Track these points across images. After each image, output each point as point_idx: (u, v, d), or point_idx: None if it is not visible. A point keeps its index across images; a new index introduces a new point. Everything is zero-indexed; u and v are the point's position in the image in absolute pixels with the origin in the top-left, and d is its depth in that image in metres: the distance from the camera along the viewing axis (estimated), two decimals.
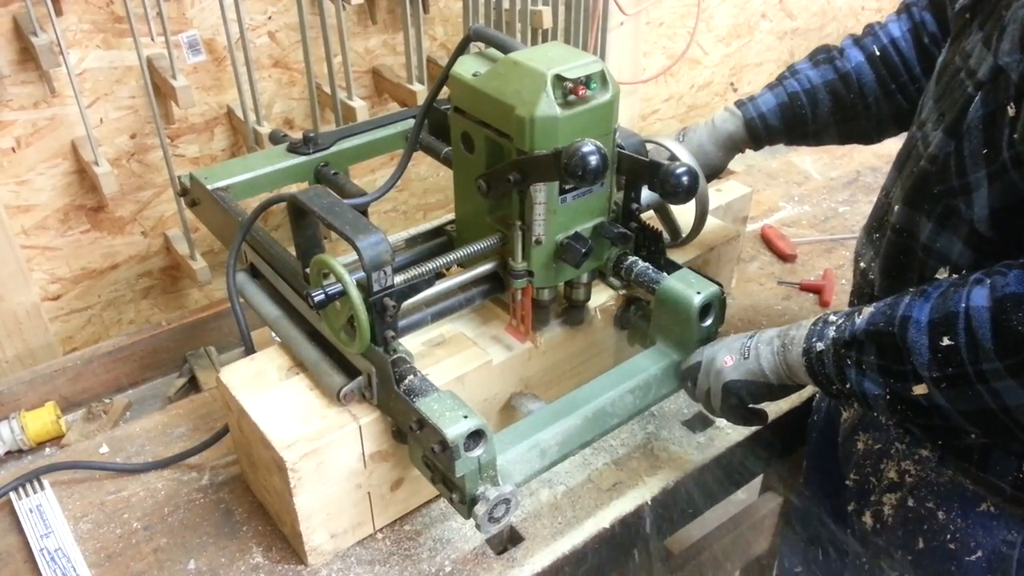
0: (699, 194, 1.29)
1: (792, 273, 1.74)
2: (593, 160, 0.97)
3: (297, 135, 1.49)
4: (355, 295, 0.99)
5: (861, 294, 1.17)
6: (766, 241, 1.83)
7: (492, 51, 1.14)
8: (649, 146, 1.27)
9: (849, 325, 0.97)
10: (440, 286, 1.16)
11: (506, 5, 1.94)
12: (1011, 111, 0.86)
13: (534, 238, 1.11)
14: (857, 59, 1.29)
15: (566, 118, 1.02)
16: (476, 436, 0.99)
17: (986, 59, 0.91)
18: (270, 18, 1.80)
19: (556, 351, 1.26)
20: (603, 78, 1.05)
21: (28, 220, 1.69)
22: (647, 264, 1.26)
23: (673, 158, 1.26)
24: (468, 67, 1.11)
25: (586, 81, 1.02)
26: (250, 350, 1.24)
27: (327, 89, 1.84)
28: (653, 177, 1.07)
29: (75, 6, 1.57)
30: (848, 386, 0.97)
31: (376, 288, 1.00)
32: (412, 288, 1.11)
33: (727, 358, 1.12)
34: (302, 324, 1.19)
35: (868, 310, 0.96)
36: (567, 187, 1.09)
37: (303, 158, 1.42)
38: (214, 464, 1.29)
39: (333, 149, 1.44)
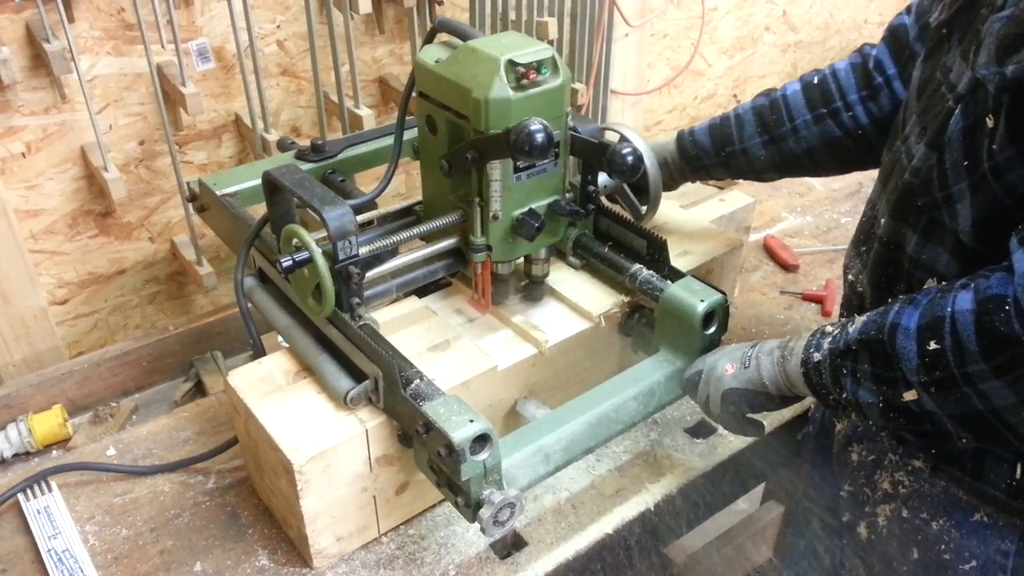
0: (651, 178, 1.36)
1: (794, 283, 1.75)
2: (539, 137, 1.04)
3: (304, 143, 1.50)
4: (320, 262, 1.06)
5: (850, 306, 1.19)
6: (769, 251, 1.84)
7: (455, 40, 1.20)
8: (613, 136, 1.32)
9: (843, 335, 0.99)
10: (405, 258, 1.22)
11: (512, 16, 1.96)
12: (990, 123, 0.88)
13: (491, 214, 1.18)
14: (793, 88, 1.33)
15: (518, 100, 1.09)
16: (482, 440, 1.00)
17: (965, 73, 0.93)
18: (279, 27, 1.82)
19: (561, 357, 1.27)
20: (554, 64, 1.12)
21: (37, 225, 1.70)
22: (651, 272, 1.27)
23: (624, 141, 1.31)
24: (432, 55, 1.18)
25: (537, 66, 1.10)
26: (260, 353, 1.26)
27: (334, 97, 1.86)
28: (602, 157, 1.15)
29: (87, 13, 1.59)
30: (844, 395, 0.99)
31: (341, 256, 1.07)
32: (376, 259, 1.18)
33: (728, 366, 1.13)
34: (310, 329, 1.21)
35: (861, 319, 0.97)
36: (521, 166, 1.16)
37: (311, 165, 1.44)
38: (220, 468, 1.30)
39: (340, 157, 1.46)
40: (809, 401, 1.34)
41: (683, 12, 2.51)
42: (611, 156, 1.13)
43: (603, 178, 1.35)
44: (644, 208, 1.45)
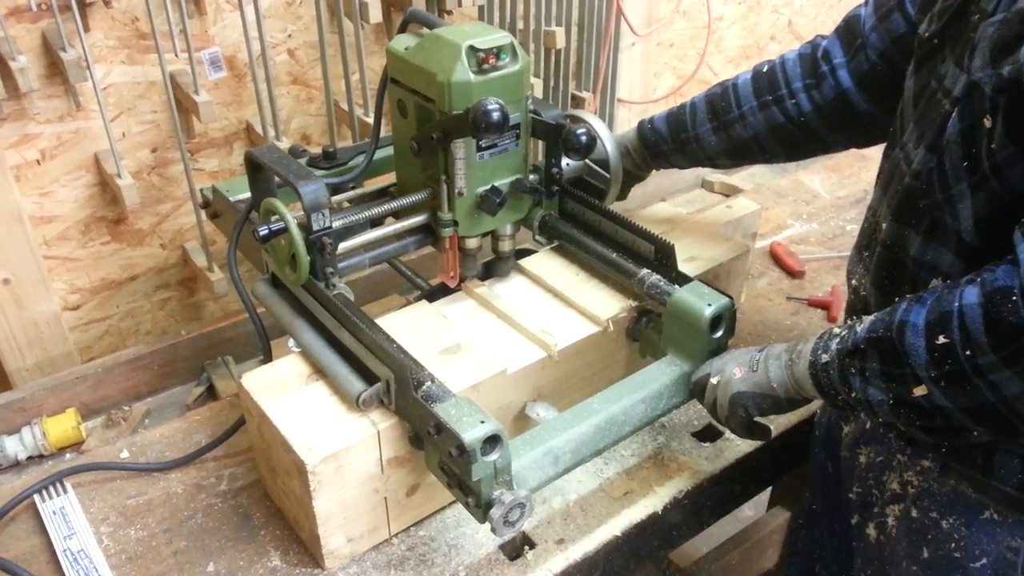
0: (611, 160, 1.44)
1: (800, 289, 1.76)
2: (495, 115, 1.12)
3: (315, 150, 1.52)
4: (295, 231, 1.15)
5: (854, 310, 1.20)
6: (775, 258, 1.85)
7: (424, 30, 1.27)
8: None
9: (851, 335, 1.00)
10: (376, 232, 1.29)
11: (520, 25, 1.98)
12: (987, 123, 0.90)
13: (457, 191, 1.26)
14: (744, 77, 1.37)
15: (479, 83, 1.17)
16: (492, 441, 1.01)
17: (960, 77, 0.95)
18: (290, 36, 1.84)
19: (569, 361, 1.28)
20: (513, 51, 1.20)
21: (51, 231, 1.72)
22: (659, 277, 1.29)
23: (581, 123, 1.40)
24: (402, 43, 1.25)
25: (497, 52, 1.17)
26: (267, 357, 1.28)
27: (344, 105, 1.88)
28: (559, 137, 1.26)
29: (102, 23, 1.61)
30: (853, 395, 1.00)
31: (315, 227, 1.16)
32: (349, 231, 1.26)
33: (736, 370, 1.15)
34: (322, 332, 1.22)
35: (868, 319, 0.99)
36: (483, 145, 1.24)
37: (322, 172, 1.46)
38: (232, 470, 1.32)
39: (352, 163, 1.48)
40: (815, 405, 1.35)
41: (689, 22, 2.53)
42: (567, 136, 1.25)
43: (570, 162, 1.44)
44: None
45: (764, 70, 1.35)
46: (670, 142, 1.43)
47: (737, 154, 1.40)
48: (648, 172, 1.52)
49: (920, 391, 0.91)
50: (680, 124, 1.41)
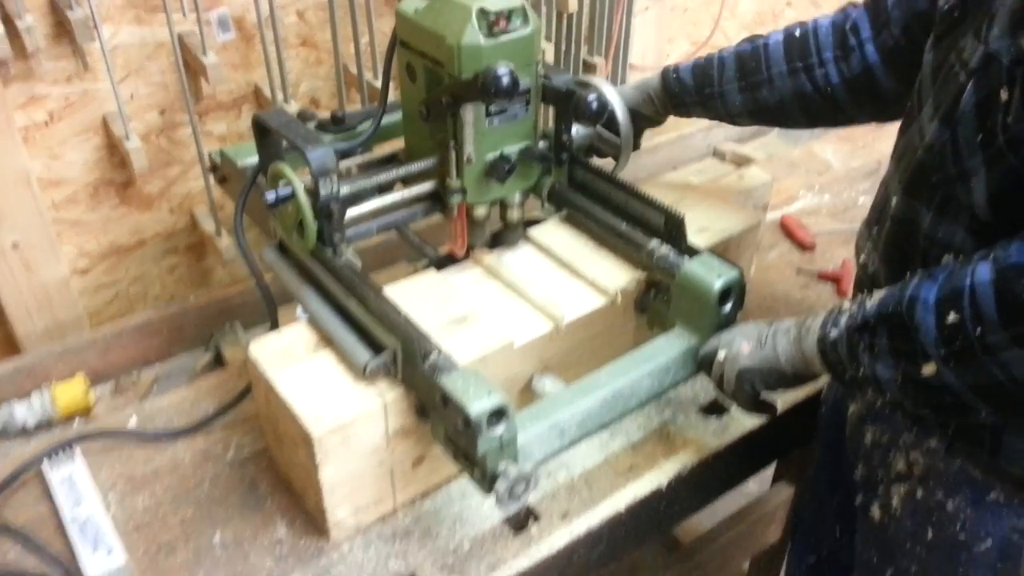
0: (621, 126, 1.42)
1: (811, 262, 1.74)
2: (504, 79, 1.10)
3: (324, 114, 1.50)
4: (302, 196, 1.15)
5: (862, 286, 1.18)
6: (785, 230, 1.83)
7: None
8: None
9: (861, 310, 0.99)
10: (384, 199, 1.28)
11: None
12: (1004, 95, 0.87)
13: (465, 157, 1.24)
14: (776, 39, 1.34)
15: (489, 47, 1.16)
16: (498, 414, 1.01)
17: (977, 49, 0.92)
18: None
19: (577, 333, 1.27)
20: (524, 14, 1.19)
21: (59, 194, 1.71)
22: (669, 248, 1.27)
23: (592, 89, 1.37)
24: (411, 5, 1.23)
25: (508, 15, 1.16)
26: (274, 325, 1.27)
27: (353, 69, 1.85)
28: (570, 103, 1.24)
29: None
30: (861, 371, 0.99)
31: (323, 193, 1.15)
32: (356, 197, 1.25)
33: (744, 344, 1.14)
34: (330, 300, 1.21)
35: (879, 294, 0.97)
36: (492, 110, 1.23)
37: (330, 136, 1.44)
38: (239, 438, 1.32)
39: (360, 128, 1.46)
40: (823, 381, 1.35)
41: None
42: (577, 102, 1.23)
43: (581, 129, 1.43)
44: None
45: (797, 34, 1.32)
46: (694, 95, 1.40)
47: (759, 116, 1.38)
48: (665, 118, 1.50)
49: (929, 369, 0.90)
50: (706, 78, 1.39)
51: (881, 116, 1.33)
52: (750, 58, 1.35)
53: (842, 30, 1.29)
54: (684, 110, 1.45)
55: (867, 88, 1.28)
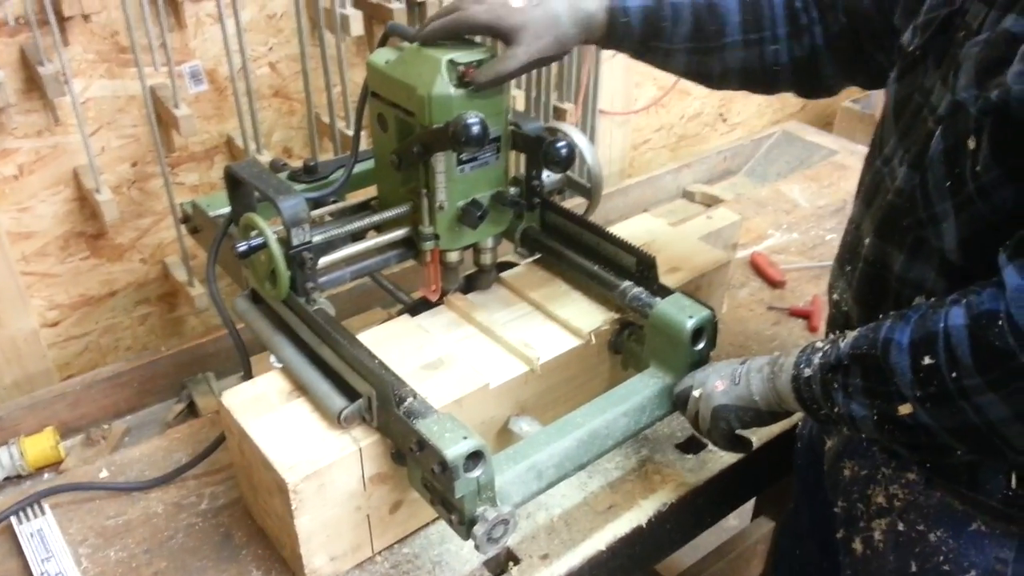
0: (592, 173, 1.43)
1: (781, 299, 1.76)
2: (474, 128, 1.12)
3: (296, 164, 1.51)
4: (275, 246, 1.15)
5: (835, 324, 1.19)
6: (756, 268, 1.85)
7: (405, 44, 1.26)
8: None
9: (834, 350, 0.99)
10: (358, 246, 1.29)
11: None
12: (971, 144, 0.89)
13: (437, 204, 1.25)
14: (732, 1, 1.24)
15: (459, 96, 1.17)
16: (475, 457, 1.00)
17: (945, 96, 0.94)
18: (271, 49, 1.83)
19: (552, 374, 1.27)
20: None
21: (29, 247, 1.70)
22: (641, 289, 1.28)
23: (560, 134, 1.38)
24: (382, 56, 1.25)
25: (477, 65, 1.17)
26: (247, 374, 1.27)
27: (326, 118, 1.87)
28: (540, 149, 1.27)
29: (81, 36, 1.60)
30: (836, 409, 0.99)
31: (295, 242, 1.16)
32: (329, 245, 1.25)
33: (718, 382, 1.14)
34: (303, 348, 1.21)
35: (852, 335, 0.98)
36: (463, 158, 1.24)
37: (303, 186, 1.44)
38: (213, 488, 1.30)
39: (332, 177, 1.47)
40: (797, 417, 1.35)
41: None
42: (547, 149, 1.26)
43: (551, 174, 1.43)
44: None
45: (749, 1, 1.24)
46: (637, 43, 1.27)
47: (696, 77, 1.31)
48: (573, 46, 1.28)
49: (905, 409, 0.91)
50: (657, 31, 1.25)
51: (808, 95, 1.32)
52: (708, 20, 1.23)
53: (793, 5, 1.23)
54: (615, 46, 1.29)
55: (810, 70, 1.25)
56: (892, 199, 1.02)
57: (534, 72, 2.12)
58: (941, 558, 1.06)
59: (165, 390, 1.60)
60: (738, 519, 2.25)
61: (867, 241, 1.08)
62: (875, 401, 0.94)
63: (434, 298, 1.36)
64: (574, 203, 1.94)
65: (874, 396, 0.94)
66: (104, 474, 1.33)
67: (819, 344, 1.04)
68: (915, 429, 0.92)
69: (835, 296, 1.19)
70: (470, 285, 1.41)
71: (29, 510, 1.25)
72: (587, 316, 1.33)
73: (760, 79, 1.28)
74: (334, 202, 1.44)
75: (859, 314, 1.11)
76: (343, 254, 1.27)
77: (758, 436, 1.37)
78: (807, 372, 1.02)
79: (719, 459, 1.35)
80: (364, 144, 1.84)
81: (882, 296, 1.06)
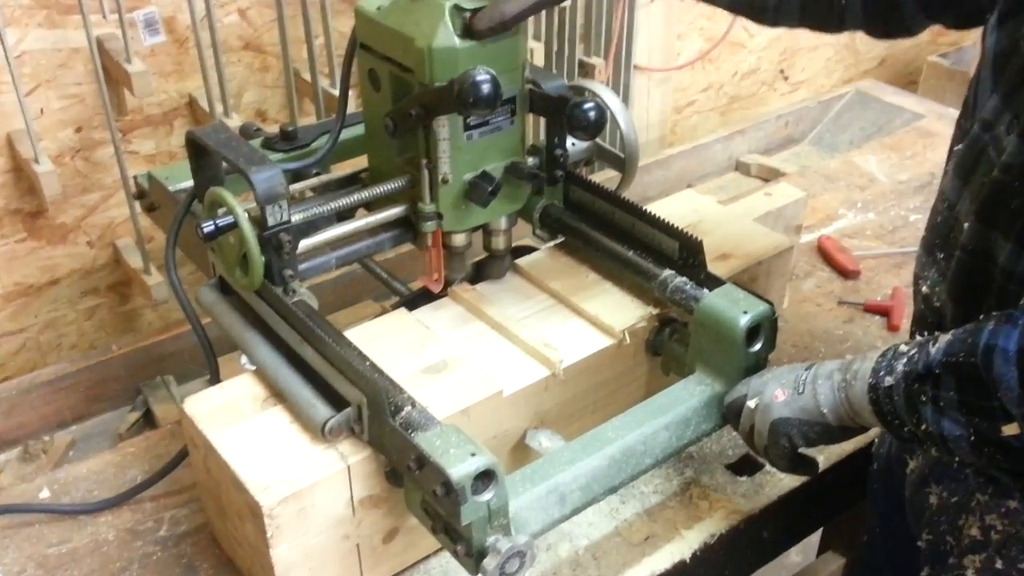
0: (626, 140, 1.43)
1: (855, 292, 1.76)
2: (485, 87, 1.11)
3: (271, 129, 1.52)
4: (246, 226, 1.14)
5: (924, 323, 1.18)
6: (824, 254, 1.85)
7: None
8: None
9: (923, 356, 0.99)
10: (345, 227, 1.28)
11: None
12: None
13: (440, 177, 1.25)
14: None
15: (466, 49, 1.16)
16: (485, 477, 1.01)
17: None
18: None
19: (578, 380, 1.28)
20: None
21: None
22: (685, 279, 1.29)
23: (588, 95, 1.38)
24: (374, 2, 1.24)
25: None
26: (214, 377, 1.28)
27: (307, 75, 1.88)
28: (563, 113, 1.25)
29: None
30: (923, 427, 0.99)
31: (271, 222, 1.15)
32: (313, 227, 1.25)
33: (777, 391, 1.14)
34: (281, 347, 1.22)
35: (945, 338, 0.98)
36: (471, 123, 1.23)
37: (280, 155, 1.46)
38: (174, 512, 1.32)
39: (315, 145, 1.48)
40: (874, 433, 1.35)
41: None
42: (571, 111, 1.24)
43: (577, 142, 1.43)
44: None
45: None
46: None
47: (747, 10, 1.32)
48: None
49: (1010, 430, 0.90)
50: None
51: (882, 35, 1.30)
52: None
53: None
54: None
55: (885, 2, 1.24)
56: (998, 176, 1.01)
57: (556, 21, 2.12)
58: None
59: (117, 396, 1.62)
60: (801, 554, 2.25)
61: (965, 225, 1.07)
62: (972, 419, 0.94)
63: (436, 289, 1.36)
64: (604, 176, 1.94)
65: (972, 412, 0.94)
66: (45, 494, 1.35)
67: (903, 348, 1.03)
68: (1021, 452, 0.92)
69: (924, 289, 1.19)
70: (480, 274, 1.42)
71: None
72: (620, 311, 1.33)
73: (824, 14, 1.28)
74: (317, 174, 1.45)
75: (954, 312, 1.10)
76: (328, 236, 1.28)
77: (825, 455, 1.37)
78: (888, 381, 1.02)
79: (778, 482, 1.35)
80: (352, 106, 1.85)
81: (983, 291, 1.05)
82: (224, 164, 1.25)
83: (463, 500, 0.99)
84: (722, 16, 2.58)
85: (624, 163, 1.47)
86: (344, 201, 1.29)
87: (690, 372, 1.27)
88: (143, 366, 1.64)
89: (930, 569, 1.20)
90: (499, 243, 1.39)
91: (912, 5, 1.24)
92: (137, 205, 1.62)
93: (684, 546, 1.26)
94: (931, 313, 1.16)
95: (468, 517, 1.01)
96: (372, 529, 1.16)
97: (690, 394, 1.23)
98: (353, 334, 1.24)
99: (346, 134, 1.42)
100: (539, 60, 2.09)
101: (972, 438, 0.94)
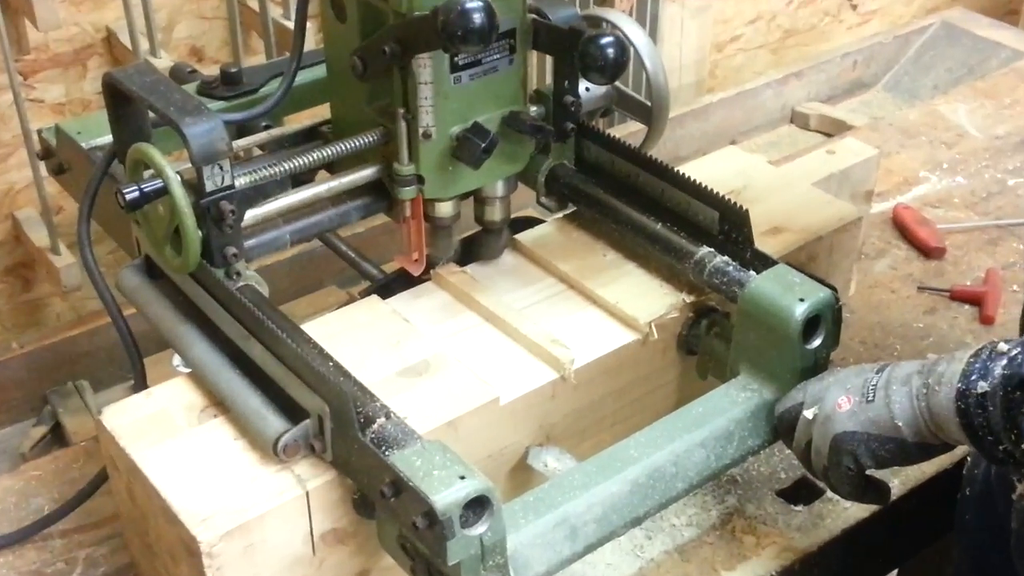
0: (652, 82, 1.43)
1: (939, 275, 1.76)
2: (476, 17, 1.11)
3: (210, 71, 1.52)
4: (179, 193, 1.14)
5: None
6: (900, 228, 1.85)
7: None
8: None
9: None
10: (302, 194, 1.28)
11: None
12: None
13: (421, 130, 1.25)
14: None
15: None
16: (478, 506, 1.01)
17: None
18: None
19: (593, 386, 1.28)
20: None
21: None
22: (726, 258, 1.29)
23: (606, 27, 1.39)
24: None
25: None
26: (140, 382, 1.28)
27: (253, 3, 1.87)
28: (575, 50, 1.25)
29: None
30: None
31: (209, 187, 1.16)
32: (261, 193, 1.25)
33: (842, 399, 1.15)
34: (223, 344, 1.22)
35: None
36: (460, 62, 1.23)
37: (220, 104, 1.46)
38: (90, 551, 1.32)
39: (265, 91, 1.48)
40: (962, 452, 1.36)
41: None
42: (585, 48, 1.23)
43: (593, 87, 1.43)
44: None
45: None
46: None
47: None
48: None
49: None
50: None
51: None
52: None
53: None
54: None
55: None
56: None
57: None
58: None
59: (18, 406, 1.62)
60: None
61: None
62: None
63: (417, 271, 1.36)
64: (628, 130, 1.94)
65: None
66: None
67: (1003, 346, 1.04)
68: None
69: None
70: (470, 253, 1.42)
71: None
72: (645, 299, 1.34)
73: None
74: (267, 128, 1.45)
75: None
76: (281, 205, 1.28)
77: (900, 479, 1.38)
78: (981, 387, 1.02)
79: (842, 513, 1.35)
80: (311, 42, 1.85)
81: None
82: (151, 115, 1.25)
83: (450, 534, 1.00)
84: None
85: (651, 113, 1.47)
86: (301, 161, 1.29)
87: (733, 375, 1.28)
88: (51, 369, 1.64)
89: None
90: (495, 214, 1.39)
91: None
92: (42, 167, 1.62)
93: None
94: None
95: (456, 555, 1.01)
96: (337, 570, 1.17)
97: (733, 402, 1.23)
98: (313, 328, 1.25)
99: (303, 77, 1.42)
100: None
101: None
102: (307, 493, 1.11)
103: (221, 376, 1.20)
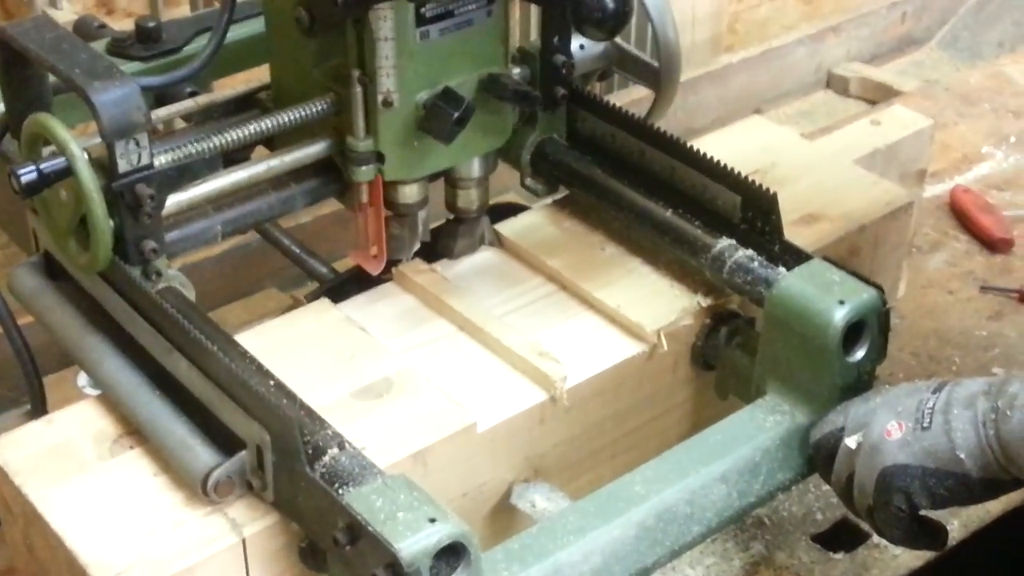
0: (660, 39, 1.44)
1: (1006, 272, 1.77)
2: None
3: (123, 25, 1.52)
4: (86, 173, 1.13)
5: None
6: (960, 215, 1.86)
7: None
8: None
9: None
10: (235, 175, 1.28)
11: None
12: None
13: (381, 97, 1.25)
14: None
15: None
16: (451, 555, 1.01)
17: None
18: None
19: (590, 409, 1.29)
20: None
21: None
22: (751, 252, 1.29)
23: None
24: None
25: None
26: (38, 407, 1.27)
27: None
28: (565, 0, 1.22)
29: None
30: None
31: (124, 167, 1.15)
32: (187, 174, 1.25)
33: (891, 425, 1.15)
34: (142, 360, 1.22)
35: None
36: (427, 14, 1.24)
37: (136, 65, 1.45)
38: None
39: (189, 50, 1.47)
40: None
41: None
42: None
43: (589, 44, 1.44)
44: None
45: None
46: None
47: None
48: None
49: None
50: None
51: None
52: None
53: None
54: None
55: None
56: None
57: None
58: None
59: None
60: None
61: None
62: None
63: (375, 270, 1.36)
64: (631, 96, 1.95)
65: None
66: None
67: None
68: None
69: None
70: (441, 246, 1.42)
71: None
72: (652, 302, 1.34)
73: None
74: (193, 94, 1.45)
75: None
76: (210, 189, 1.27)
77: (962, 520, 1.38)
78: None
79: (890, 561, 1.36)
80: None
81: None
82: (51, 79, 1.24)
83: None
84: None
85: (658, 76, 1.48)
86: (234, 135, 1.28)
87: (759, 394, 1.28)
88: None
89: None
90: (470, 199, 1.40)
91: None
92: None
93: None
94: None
95: None
96: None
97: (759, 428, 1.24)
98: (250, 339, 1.24)
99: (236, 33, 1.42)
100: None
101: None
102: (244, 540, 1.10)
103: (138, 399, 1.20)
